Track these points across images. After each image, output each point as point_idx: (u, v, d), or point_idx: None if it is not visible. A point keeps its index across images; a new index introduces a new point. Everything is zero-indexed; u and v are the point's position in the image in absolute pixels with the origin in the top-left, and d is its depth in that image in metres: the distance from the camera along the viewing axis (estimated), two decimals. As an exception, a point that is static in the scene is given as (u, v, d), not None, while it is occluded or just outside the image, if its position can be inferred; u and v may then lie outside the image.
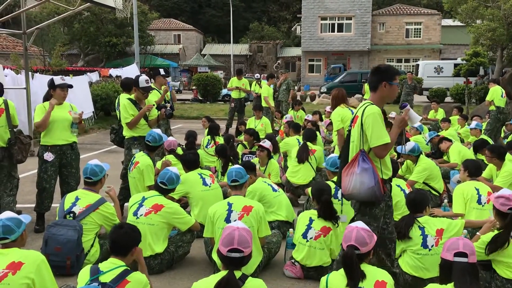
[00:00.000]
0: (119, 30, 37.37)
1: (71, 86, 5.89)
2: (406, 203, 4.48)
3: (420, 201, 4.34)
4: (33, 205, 5.84)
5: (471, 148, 8.50)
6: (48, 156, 5.61)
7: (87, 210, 4.51)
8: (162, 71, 8.55)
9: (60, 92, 5.73)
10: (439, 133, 9.66)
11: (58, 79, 5.77)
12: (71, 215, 4.48)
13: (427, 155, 8.73)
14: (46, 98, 5.83)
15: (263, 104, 12.20)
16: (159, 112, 6.44)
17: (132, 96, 6.25)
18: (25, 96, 10.52)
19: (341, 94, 6.75)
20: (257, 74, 15.90)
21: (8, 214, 3.33)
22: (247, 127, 9.80)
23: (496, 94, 10.69)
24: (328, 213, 4.40)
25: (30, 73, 10.96)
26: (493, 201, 4.09)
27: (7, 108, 5.26)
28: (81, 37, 37.02)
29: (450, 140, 8.19)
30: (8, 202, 5.34)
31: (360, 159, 3.54)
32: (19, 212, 5.77)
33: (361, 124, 3.58)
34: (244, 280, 2.83)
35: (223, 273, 2.86)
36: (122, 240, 3.18)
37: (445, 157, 8.40)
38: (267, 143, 6.83)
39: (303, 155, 6.90)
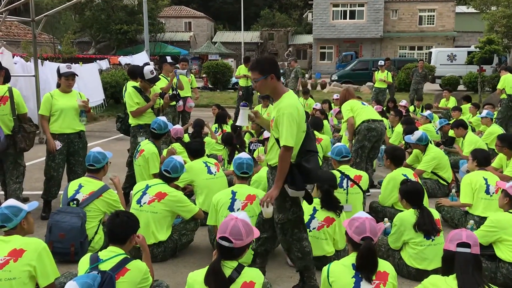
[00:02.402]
0: (130, 18, 37.36)
1: (76, 75, 5.84)
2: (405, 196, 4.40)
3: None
4: (41, 192, 5.87)
5: (482, 137, 8.40)
6: (57, 145, 5.62)
7: (91, 197, 4.53)
8: (169, 59, 8.52)
9: (65, 81, 5.70)
10: (449, 122, 9.53)
11: (63, 67, 5.73)
12: (75, 202, 4.51)
13: (437, 144, 8.63)
14: (58, 85, 5.86)
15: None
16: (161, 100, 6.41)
17: (138, 84, 6.23)
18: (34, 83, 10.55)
19: (345, 94, 6.81)
20: None
21: (9, 202, 3.35)
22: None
23: (507, 82, 10.48)
24: (329, 203, 4.34)
25: (39, 60, 10.98)
26: (508, 189, 4.09)
27: (11, 96, 5.26)
28: (92, 24, 37.10)
29: (466, 127, 7.96)
30: (14, 189, 5.38)
31: None
32: (26, 199, 5.85)
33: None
34: (240, 271, 2.81)
35: None
36: (118, 229, 3.17)
37: (459, 143, 8.20)
38: (266, 134, 6.85)
39: (309, 144, 6.85)
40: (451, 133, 8.74)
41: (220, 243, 2.81)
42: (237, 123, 3.87)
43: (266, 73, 3.49)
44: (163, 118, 5.88)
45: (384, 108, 11.14)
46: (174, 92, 7.72)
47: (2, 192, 5.79)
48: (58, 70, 5.73)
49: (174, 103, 8.01)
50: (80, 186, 4.62)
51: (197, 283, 2.82)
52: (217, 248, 2.87)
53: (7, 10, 9.01)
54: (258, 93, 12.14)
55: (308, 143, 3.54)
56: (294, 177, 3.42)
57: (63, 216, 4.37)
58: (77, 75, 5.93)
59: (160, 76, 7.45)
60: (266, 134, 6.93)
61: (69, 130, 5.73)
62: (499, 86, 10.73)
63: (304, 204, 4.48)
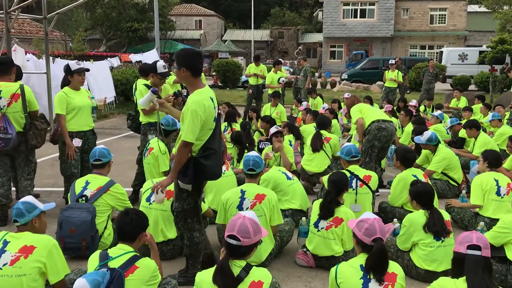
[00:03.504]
0: (141, 15, 37.49)
1: (87, 70, 5.90)
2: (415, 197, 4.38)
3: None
4: (52, 189, 5.92)
5: (493, 137, 8.32)
6: (77, 142, 5.67)
7: (99, 192, 4.59)
8: None
9: (78, 77, 5.71)
10: (460, 122, 9.45)
11: (74, 65, 5.74)
12: (83, 198, 4.56)
13: (448, 143, 8.58)
14: (64, 84, 5.83)
15: (270, 91, 12.12)
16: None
17: (149, 82, 6.25)
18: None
19: (353, 100, 6.92)
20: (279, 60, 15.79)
21: (27, 198, 3.41)
22: (263, 114, 9.75)
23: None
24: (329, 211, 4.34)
25: (51, 57, 11.06)
26: None
27: (23, 93, 5.29)
28: (103, 22, 37.26)
29: (479, 128, 7.88)
30: (25, 186, 5.42)
31: None
32: (37, 195, 5.90)
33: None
34: (248, 270, 2.81)
35: None
36: (128, 226, 3.19)
37: (469, 148, 8.17)
38: (272, 130, 6.89)
39: (316, 143, 6.84)
40: (461, 133, 8.68)
41: (228, 241, 2.82)
42: (139, 102, 4.12)
43: (180, 65, 3.58)
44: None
45: (395, 108, 11.08)
46: (185, 89, 7.73)
47: (14, 188, 5.84)
48: (68, 68, 5.70)
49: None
50: (87, 183, 4.68)
51: (205, 282, 2.83)
52: (225, 247, 2.87)
53: (19, 7, 9.07)
54: (269, 92, 12.13)
55: (211, 140, 3.63)
56: (187, 170, 3.53)
57: (73, 212, 4.42)
58: (89, 70, 5.98)
59: (171, 73, 7.47)
60: (272, 130, 6.93)
61: (86, 127, 5.82)
62: None
63: (314, 204, 4.51)
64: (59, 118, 5.60)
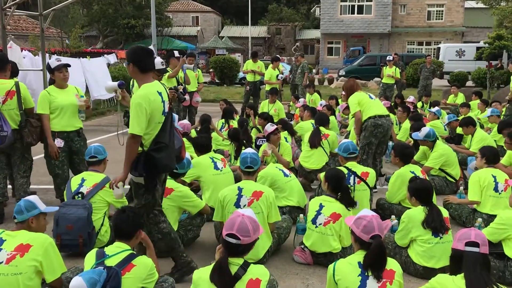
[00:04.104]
0: (138, 12, 37.42)
1: (68, 65, 5.58)
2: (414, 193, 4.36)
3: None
4: (49, 186, 5.88)
5: (491, 133, 8.32)
6: (59, 142, 5.50)
7: (95, 188, 4.58)
8: (176, 53, 8.51)
9: (59, 74, 5.46)
10: (458, 118, 9.44)
11: (53, 62, 5.47)
12: (79, 195, 4.54)
13: (446, 140, 8.57)
14: (50, 83, 5.65)
15: (267, 87, 12.11)
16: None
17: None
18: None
19: (350, 84, 6.61)
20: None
21: (31, 197, 3.43)
22: (260, 111, 9.73)
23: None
24: (349, 200, 4.37)
25: (47, 54, 11.01)
26: None
27: (18, 90, 5.25)
28: (100, 19, 37.21)
29: (475, 125, 7.89)
30: (22, 184, 5.40)
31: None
32: (33, 193, 5.85)
33: None
34: (246, 268, 2.80)
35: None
36: (125, 224, 3.18)
37: (466, 144, 8.19)
38: (269, 128, 6.82)
39: (315, 140, 6.82)
40: (459, 129, 8.67)
41: (227, 240, 2.80)
42: (104, 85, 4.31)
43: (128, 60, 3.73)
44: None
45: (392, 104, 11.07)
46: (181, 85, 7.72)
47: (10, 186, 5.81)
48: (48, 67, 5.49)
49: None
50: (83, 180, 4.67)
51: (203, 280, 2.82)
52: (223, 246, 2.86)
53: (15, 4, 9.01)
54: (267, 89, 12.11)
55: (161, 134, 3.70)
56: (138, 164, 3.61)
57: (69, 209, 4.40)
58: (70, 66, 5.65)
59: (167, 69, 7.46)
60: (268, 128, 6.88)
61: (70, 128, 5.59)
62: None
63: (312, 201, 4.50)
64: (41, 117, 5.41)
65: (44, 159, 5.68)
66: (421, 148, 6.92)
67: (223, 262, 2.78)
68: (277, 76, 12.18)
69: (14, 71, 5.68)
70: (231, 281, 2.75)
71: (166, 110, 3.75)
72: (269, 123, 7.12)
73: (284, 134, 7.49)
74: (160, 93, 3.71)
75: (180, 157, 4.06)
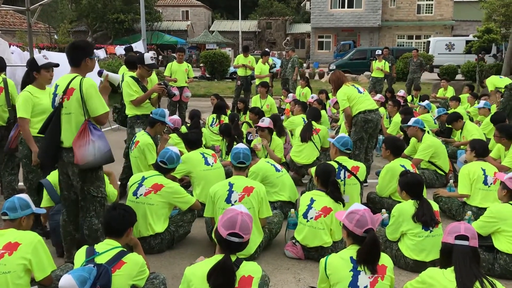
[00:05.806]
0: (127, 7, 37.14)
1: (57, 65, 4.89)
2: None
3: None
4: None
5: (481, 126, 8.37)
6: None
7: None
8: (149, 55, 8.48)
9: (46, 73, 4.78)
10: (448, 111, 9.49)
11: (41, 59, 4.77)
12: None
13: (436, 133, 8.61)
14: (25, 82, 4.85)
15: (257, 82, 12.09)
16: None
17: (135, 74, 6.17)
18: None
19: (337, 76, 6.50)
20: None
21: (23, 195, 3.43)
22: (252, 106, 9.71)
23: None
24: (338, 194, 4.35)
25: (36, 50, 10.89)
26: (506, 181, 4.09)
27: (6, 86, 5.17)
28: (89, 13, 36.86)
29: (462, 118, 7.95)
30: (9, 181, 5.33)
31: (91, 128, 3.74)
32: (22, 190, 5.79)
33: (82, 96, 3.71)
34: (238, 265, 2.79)
35: (218, 257, 2.82)
36: (115, 222, 3.16)
37: (456, 137, 8.24)
38: (265, 122, 6.76)
39: (306, 134, 6.81)
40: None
41: (230, 239, 2.79)
42: (115, 80, 4.31)
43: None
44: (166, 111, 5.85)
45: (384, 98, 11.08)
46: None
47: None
48: (33, 63, 4.76)
49: None
50: None
51: (196, 277, 2.78)
52: (223, 245, 2.83)
53: (1, -1, 8.91)
54: (257, 83, 12.08)
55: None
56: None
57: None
58: (59, 65, 4.91)
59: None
60: (265, 123, 6.85)
61: None
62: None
63: (303, 196, 4.50)
64: (22, 122, 4.64)
65: (22, 169, 5.14)
66: (411, 141, 6.96)
67: (227, 262, 2.75)
68: (271, 68, 12.14)
69: (1, 67, 5.58)
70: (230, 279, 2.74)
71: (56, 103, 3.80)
72: (261, 119, 7.04)
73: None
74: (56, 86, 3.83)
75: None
